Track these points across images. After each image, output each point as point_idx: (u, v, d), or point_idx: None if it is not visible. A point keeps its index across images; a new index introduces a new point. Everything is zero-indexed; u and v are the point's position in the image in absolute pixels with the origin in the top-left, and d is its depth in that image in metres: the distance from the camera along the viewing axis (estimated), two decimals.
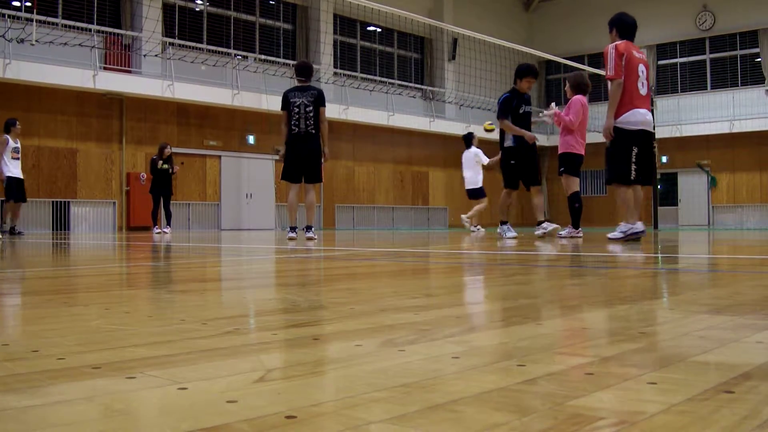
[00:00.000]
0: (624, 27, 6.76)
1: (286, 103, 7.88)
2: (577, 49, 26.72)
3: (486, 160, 12.71)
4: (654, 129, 6.93)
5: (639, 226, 6.72)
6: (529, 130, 8.47)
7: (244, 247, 6.69)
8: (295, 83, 8.18)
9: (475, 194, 12.74)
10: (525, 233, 10.15)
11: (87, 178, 16.52)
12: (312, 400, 0.85)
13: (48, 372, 1.02)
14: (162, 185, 13.47)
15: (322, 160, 8.16)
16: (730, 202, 24.88)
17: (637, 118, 6.58)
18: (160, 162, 13.36)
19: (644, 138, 6.61)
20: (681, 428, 0.73)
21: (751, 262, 3.91)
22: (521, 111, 8.35)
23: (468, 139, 13.34)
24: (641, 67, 6.65)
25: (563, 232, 8.76)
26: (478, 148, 13.03)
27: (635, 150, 6.55)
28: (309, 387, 0.94)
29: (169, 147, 13.62)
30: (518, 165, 8.45)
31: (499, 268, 3.66)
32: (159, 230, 13.11)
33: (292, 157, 7.91)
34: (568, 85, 8.98)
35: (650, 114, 6.72)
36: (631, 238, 6.65)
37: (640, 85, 6.60)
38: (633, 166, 6.55)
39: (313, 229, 8.05)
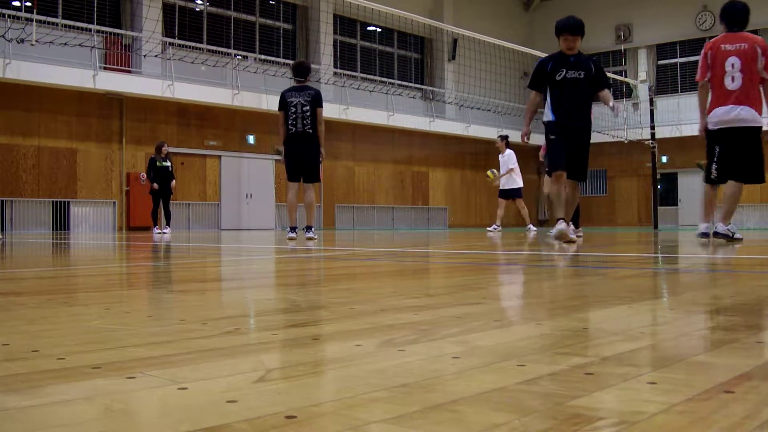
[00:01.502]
0: (729, 16, 6.39)
1: (284, 103, 7.96)
2: None
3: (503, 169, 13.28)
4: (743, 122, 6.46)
5: (702, 227, 6.67)
6: (574, 98, 6.53)
7: (244, 247, 6.69)
8: (294, 83, 8.22)
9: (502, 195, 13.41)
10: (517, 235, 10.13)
11: (87, 178, 16.52)
12: (312, 400, 0.85)
13: (48, 372, 1.02)
14: (161, 185, 13.49)
15: (320, 160, 8.18)
16: None
17: (717, 116, 6.32)
18: (159, 160, 13.41)
19: (730, 135, 6.24)
20: (681, 428, 0.73)
21: (751, 262, 3.91)
22: (559, 77, 6.53)
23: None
24: (730, 61, 6.29)
25: (553, 231, 8.92)
26: (506, 152, 13.37)
27: (717, 149, 6.35)
28: (309, 387, 0.93)
29: (166, 145, 13.69)
30: (559, 141, 6.47)
31: (498, 268, 3.66)
32: (159, 230, 13.11)
33: (290, 157, 7.99)
34: None
35: (739, 108, 6.26)
36: (707, 238, 6.59)
37: (729, 80, 6.28)
38: (714, 166, 6.41)
39: (313, 229, 8.06)
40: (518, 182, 13.28)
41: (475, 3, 26.05)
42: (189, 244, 7.66)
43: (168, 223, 13.75)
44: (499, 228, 13.06)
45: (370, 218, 22.51)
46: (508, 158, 13.21)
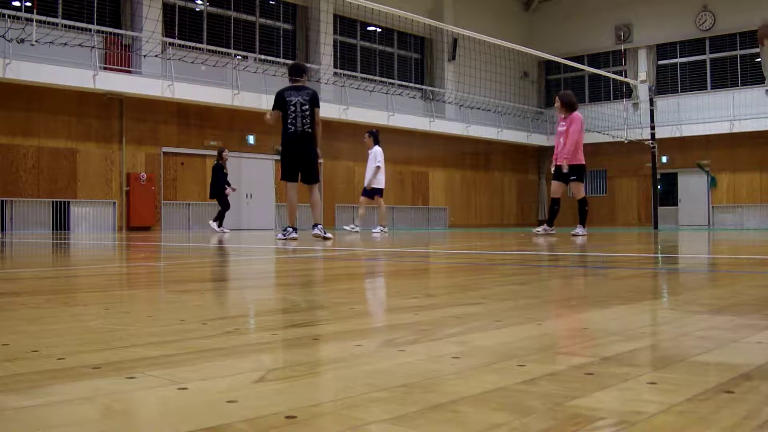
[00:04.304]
0: None
1: (282, 102, 7.87)
2: (577, 49, 26.71)
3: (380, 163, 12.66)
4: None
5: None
6: None
7: (244, 247, 6.69)
8: (289, 83, 8.16)
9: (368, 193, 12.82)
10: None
11: (87, 178, 16.51)
12: (312, 400, 0.85)
13: (48, 372, 1.02)
14: (222, 187, 14.29)
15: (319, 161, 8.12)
16: (730, 202, 24.88)
17: None
18: (225, 167, 14.38)
19: None
20: (681, 428, 0.73)
21: (751, 262, 3.91)
22: None
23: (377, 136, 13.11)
24: None
25: (579, 230, 9.55)
26: (374, 148, 12.91)
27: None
28: (309, 387, 0.93)
29: (226, 151, 14.79)
30: None
31: (498, 268, 3.66)
32: (223, 230, 14.00)
33: (290, 156, 7.90)
34: (560, 102, 9.75)
35: None
36: None
37: None
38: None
39: (319, 226, 7.89)
40: (382, 182, 12.83)
41: (475, 3, 26.05)
42: (189, 244, 7.66)
43: (220, 224, 14.33)
44: (358, 228, 12.62)
45: (370, 218, 22.50)
46: (376, 155, 12.79)
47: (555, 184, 9.83)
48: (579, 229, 9.51)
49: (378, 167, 12.52)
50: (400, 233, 13.14)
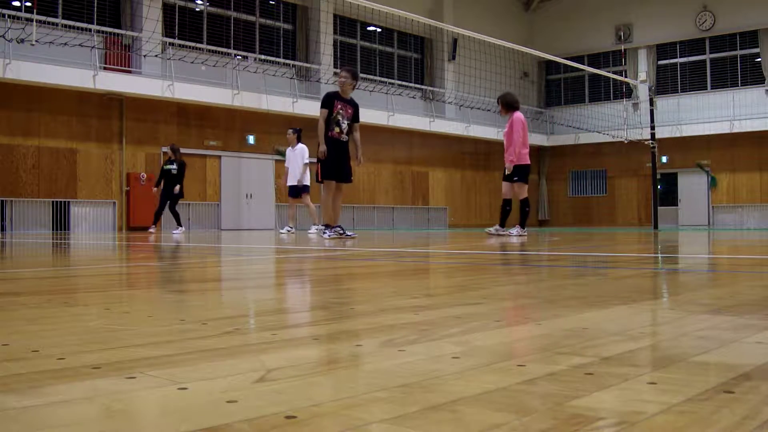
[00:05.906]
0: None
1: None
2: (577, 49, 26.71)
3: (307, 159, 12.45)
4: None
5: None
6: None
7: (243, 248, 6.69)
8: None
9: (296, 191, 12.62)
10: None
11: (87, 178, 16.52)
12: (312, 400, 0.85)
13: (48, 372, 1.02)
14: (165, 187, 13.71)
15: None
16: (730, 202, 24.87)
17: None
18: (166, 163, 13.80)
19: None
20: (681, 428, 0.73)
21: (751, 262, 3.91)
22: None
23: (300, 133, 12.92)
24: None
25: (514, 231, 9.63)
26: (298, 146, 12.68)
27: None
28: (309, 387, 0.93)
29: (169, 149, 14.04)
30: None
31: (499, 268, 3.66)
32: (152, 230, 13.67)
33: None
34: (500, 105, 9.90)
35: None
36: None
37: None
38: None
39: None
40: (308, 179, 12.40)
41: (475, 3, 26.05)
42: (189, 244, 7.66)
43: (178, 223, 13.84)
44: (294, 229, 12.42)
45: (370, 218, 22.50)
46: (301, 152, 12.60)
47: (505, 185, 9.85)
48: (515, 230, 9.54)
49: (306, 165, 12.36)
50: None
